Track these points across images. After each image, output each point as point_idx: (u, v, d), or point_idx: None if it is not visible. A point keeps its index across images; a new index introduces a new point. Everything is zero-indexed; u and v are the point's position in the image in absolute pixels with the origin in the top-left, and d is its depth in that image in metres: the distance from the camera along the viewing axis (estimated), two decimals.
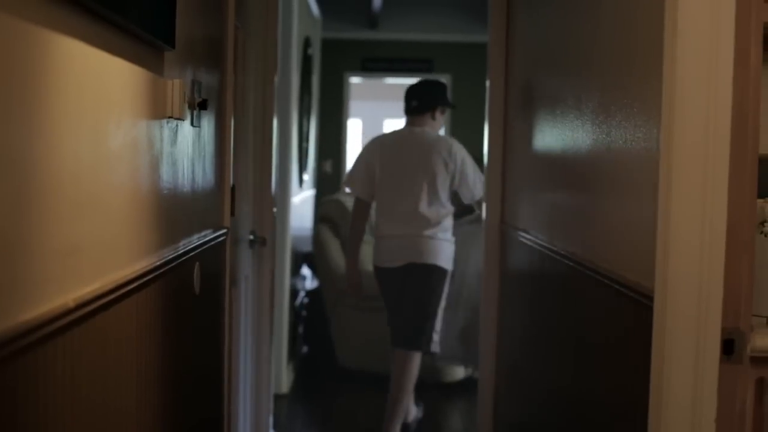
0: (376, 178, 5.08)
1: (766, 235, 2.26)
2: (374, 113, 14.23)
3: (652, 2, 2.24)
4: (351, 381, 6.44)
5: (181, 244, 2.58)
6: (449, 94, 5.33)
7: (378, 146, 5.18)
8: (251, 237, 4.29)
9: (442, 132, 5.62)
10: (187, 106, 2.54)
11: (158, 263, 2.24)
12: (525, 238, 3.81)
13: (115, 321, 1.89)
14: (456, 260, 5.31)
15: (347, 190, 5.46)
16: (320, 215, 7.36)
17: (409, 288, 5.04)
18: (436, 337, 5.03)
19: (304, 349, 7.13)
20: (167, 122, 2.38)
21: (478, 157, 5.22)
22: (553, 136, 3.43)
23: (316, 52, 8.24)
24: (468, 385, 6.10)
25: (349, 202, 7.28)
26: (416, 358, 5.05)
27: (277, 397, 5.42)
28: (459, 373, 6.34)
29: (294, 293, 6.56)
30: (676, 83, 2.07)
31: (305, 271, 7.39)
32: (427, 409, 5.70)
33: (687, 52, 2.06)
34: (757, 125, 2.09)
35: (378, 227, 5.13)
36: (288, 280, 6.07)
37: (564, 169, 3.21)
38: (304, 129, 7.28)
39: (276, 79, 4.60)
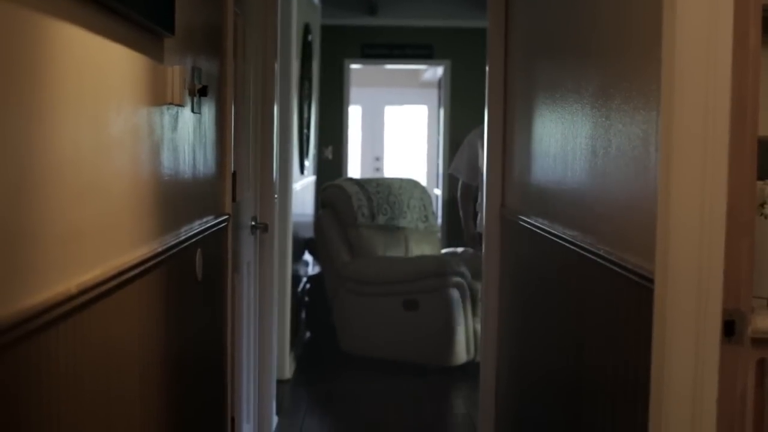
0: (478, 164, 5.65)
1: (766, 217, 2.26)
2: (374, 99, 14.18)
3: None
4: (353, 366, 6.45)
5: (182, 230, 2.58)
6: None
7: (475, 136, 5.83)
8: (253, 223, 4.30)
9: None
10: (187, 92, 2.54)
11: (160, 249, 2.25)
12: (525, 221, 3.81)
13: (117, 307, 1.89)
14: None
15: (455, 175, 6.22)
16: (321, 201, 7.36)
17: None
18: None
19: (307, 334, 7.15)
20: (167, 109, 2.39)
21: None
22: (552, 119, 3.43)
23: (315, 38, 8.22)
24: (470, 369, 6.11)
25: (351, 189, 7.29)
26: None
27: (280, 383, 5.43)
28: (461, 357, 6.35)
29: (296, 279, 6.56)
30: (675, 66, 2.07)
31: (307, 257, 7.40)
32: (430, 392, 5.72)
33: (686, 35, 2.06)
34: (756, 107, 2.09)
35: (479, 204, 5.67)
36: (290, 266, 6.08)
37: (563, 152, 3.21)
38: (305, 115, 7.27)
39: (276, 65, 4.60)
